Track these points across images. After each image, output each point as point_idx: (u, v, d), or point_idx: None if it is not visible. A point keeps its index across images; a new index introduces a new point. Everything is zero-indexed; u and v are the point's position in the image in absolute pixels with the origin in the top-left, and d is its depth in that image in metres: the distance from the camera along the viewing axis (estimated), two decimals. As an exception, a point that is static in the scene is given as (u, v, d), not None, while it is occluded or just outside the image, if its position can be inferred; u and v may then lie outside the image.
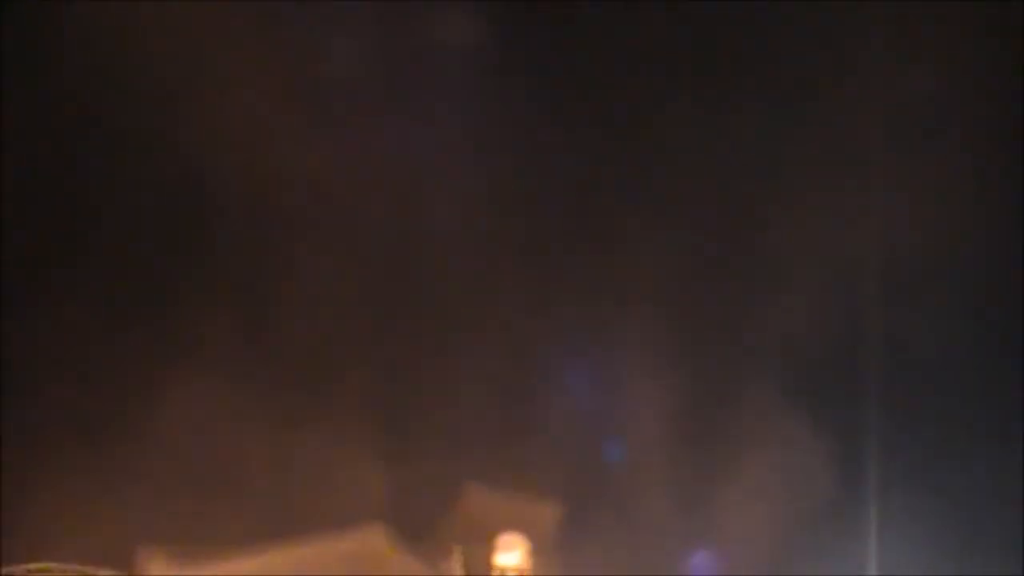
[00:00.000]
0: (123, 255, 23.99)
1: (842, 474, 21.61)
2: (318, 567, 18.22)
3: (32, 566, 11.76)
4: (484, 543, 23.13)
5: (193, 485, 21.06)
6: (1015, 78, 21.77)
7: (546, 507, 22.72)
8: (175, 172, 23.60)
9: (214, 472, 21.58)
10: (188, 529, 17.97)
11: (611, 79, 24.18)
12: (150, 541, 16.61)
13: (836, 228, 22.89)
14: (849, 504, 21.36)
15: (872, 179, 22.84)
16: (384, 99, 23.69)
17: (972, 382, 22.41)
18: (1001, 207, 22.44)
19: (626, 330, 24.18)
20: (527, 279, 26.37)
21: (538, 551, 22.93)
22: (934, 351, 22.53)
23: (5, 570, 11.44)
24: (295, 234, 25.27)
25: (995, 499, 21.30)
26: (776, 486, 21.82)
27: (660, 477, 23.00)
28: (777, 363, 23.22)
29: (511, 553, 25.01)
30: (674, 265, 24.37)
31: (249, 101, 22.34)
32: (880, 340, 22.04)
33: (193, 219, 24.63)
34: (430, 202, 24.44)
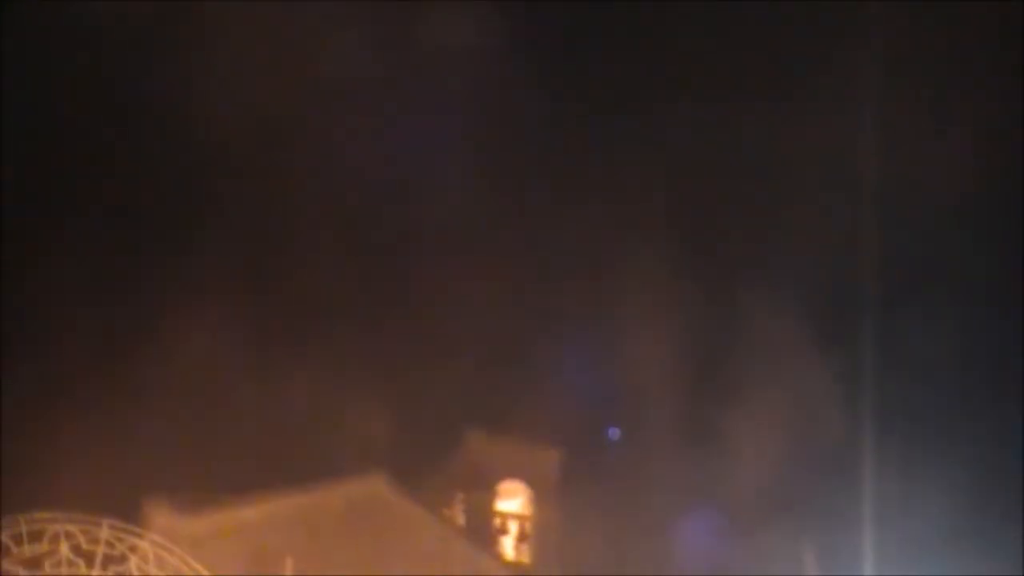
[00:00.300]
0: (126, 203, 24.05)
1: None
2: (320, 514, 18.32)
3: (34, 515, 11.80)
4: (486, 489, 23.34)
5: (195, 434, 21.15)
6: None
7: (547, 453, 22.86)
8: (183, 124, 23.69)
9: (217, 421, 21.68)
10: (190, 477, 18.05)
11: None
12: (153, 489, 16.70)
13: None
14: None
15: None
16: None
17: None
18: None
19: (625, 275, 24.26)
20: (525, 220, 26.48)
21: (539, 497, 23.14)
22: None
23: (6, 519, 11.48)
24: (298, 184, 25.33)
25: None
26: (779, 439, 21.86)
27: (659, 425, 23.08)
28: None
29: (512, 500, 25.25)
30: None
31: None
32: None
33: (200, 170, 24.74)
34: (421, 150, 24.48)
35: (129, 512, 13.00)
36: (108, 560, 11.97)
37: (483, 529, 21.56)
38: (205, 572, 12.48)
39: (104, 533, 12.04)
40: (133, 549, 12.19)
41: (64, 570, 11.65)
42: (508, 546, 21.84)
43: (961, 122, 22.42)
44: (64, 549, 11.67)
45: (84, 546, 11.83)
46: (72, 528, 11.83)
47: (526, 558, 21.60)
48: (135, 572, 12.11)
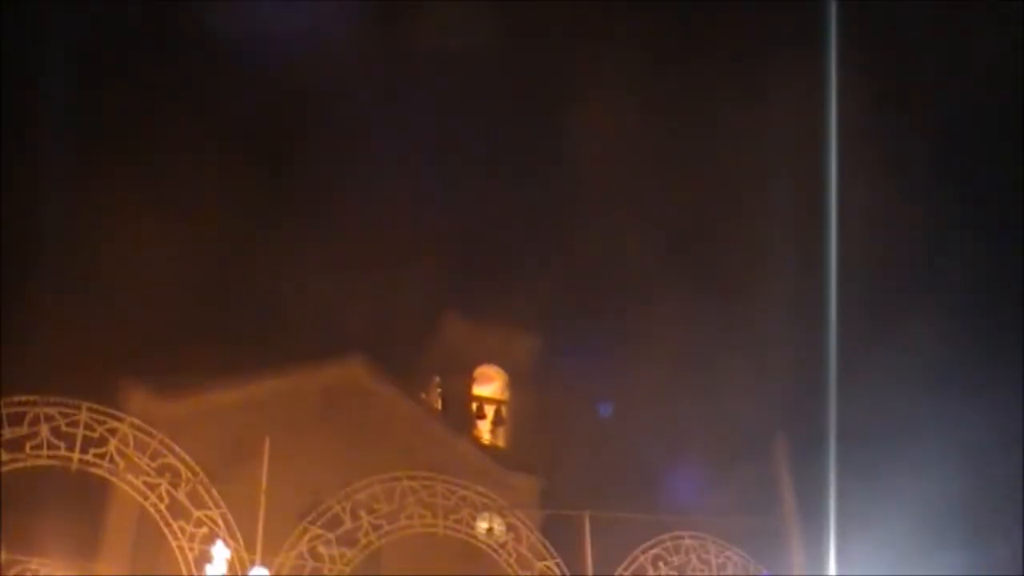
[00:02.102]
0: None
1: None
2: (299, 399, 18.55)
3: (12, 399, 11.96)
4: (463, 373, 23.61)
5: (173, 317, 21.25)
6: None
7: (524, 337, 23.08)
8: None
9: (195, 305, 21.78)
10: (168, 362, 18.18)
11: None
12: (131, 374, 16.83)
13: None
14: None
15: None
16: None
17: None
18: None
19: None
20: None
21: (516, 382, 23.44)
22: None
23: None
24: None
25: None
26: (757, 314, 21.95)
27: (644, 305, 23.25)
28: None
29: (489, 384, 25.57)
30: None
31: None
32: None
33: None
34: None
35: (107, 396, 13.17)
36: (88, 443, 12.17)
37: (460, 413, 21.86)
38: (184, 455, 12.71)
39: (83, 416, 12.22)
40: (112, 432, 12.39)
41: (44, 453, 11.84)
42: (485, 430, 22.18)
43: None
44: (44, 432, 11.84)
45: (64, 429, 12.01)
46: (51, 411, 12.00)
47: (502, 442, 21.95)
48: (114, 454, 12.33)
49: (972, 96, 22.61)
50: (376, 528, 13.47)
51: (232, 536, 12.41)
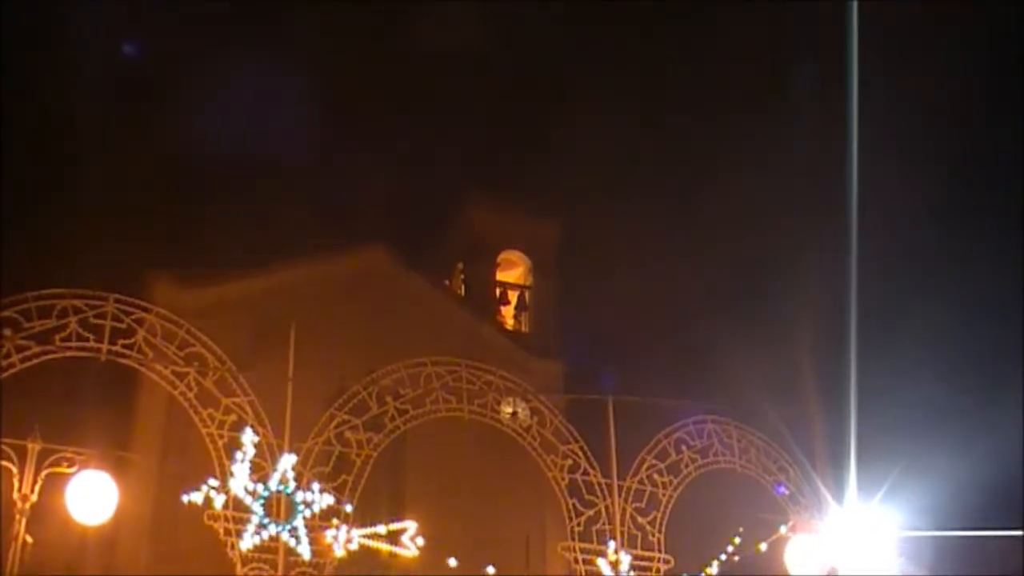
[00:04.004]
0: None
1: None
2: (324, 286, 18.62)
3: (41, 292, 12.04)
4: (486, 260, 23.58)
5: (195, 205, 21.30)
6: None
7: (548, 224, 22.99)
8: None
9: (219, 195, 21.83)
10: (192, 252, 18.26)
11: None
12: (155, 265, 16.89)
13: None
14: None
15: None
16: None
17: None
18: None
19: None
20: None
21: (539, 267, 23.40)
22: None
23: (14, 296, 11.71)
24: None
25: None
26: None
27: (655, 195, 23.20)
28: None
29: (512, 270, 25.51)
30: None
31: None
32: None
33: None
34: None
35: (133, 288, 13.24)
36: (116, 334, 12.29)
37: (483, 299, 21.91)
38: (211, 343, 12.83)
39: (111, 308, 12.32)
40: (139, 323, 12.51)
41: (74, 344, 11.97)
42: (508, 315, 22.25)
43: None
44: (73, 324, 11.96)
45: (92, 321, 12.12)
46: (79, 304, 12.10)
47: (526, 327, 22.02)
48: (142, 345, 12.46)
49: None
50: (402, 413, 13.64)
51: (260, 423, 12.57)
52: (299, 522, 12.25)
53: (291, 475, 12.38)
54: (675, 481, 14.11)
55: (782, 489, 14.49)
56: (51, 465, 11.83)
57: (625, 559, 13.41)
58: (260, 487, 12.20)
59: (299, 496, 12.34)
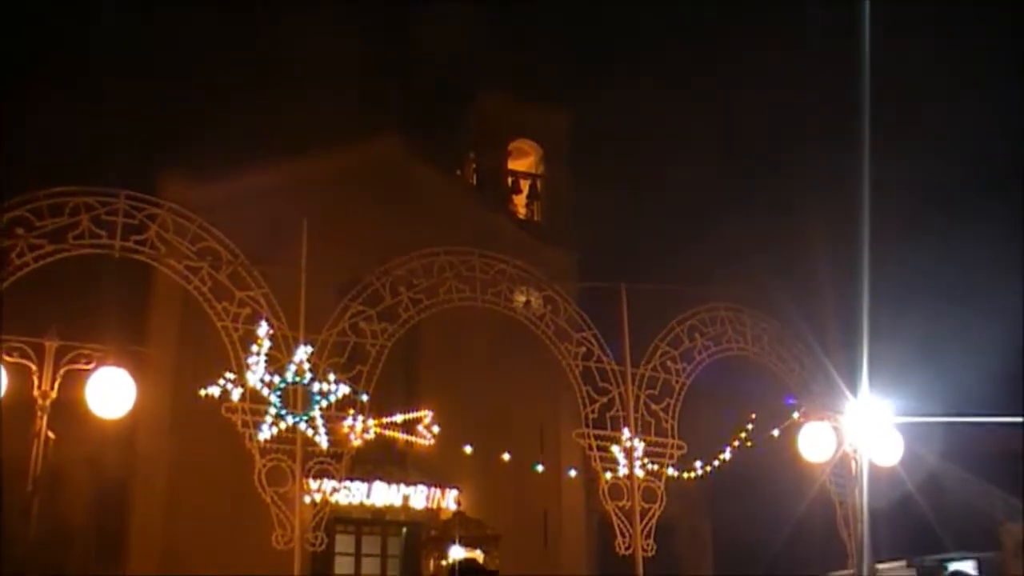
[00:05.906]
0: None
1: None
2: (335, 179, 18.60)
3: (52, 189, 11.98)
4: (498, 149, 23.45)
5: (205, 100, 21.15)
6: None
7: (559, 112, 22.80)
8: None
9: (230, 90, 21.65)
10: (203, 147, 18.20)
11: None
12: (165, 162, 16.90)
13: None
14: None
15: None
16: None
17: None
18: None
19: None
20: None
21: (550, 156, 23.28)
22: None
23: (26, 195, 11.66)
24: None
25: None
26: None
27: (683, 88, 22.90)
28: None
29: (524, 159, 25.40)
30: None
31: None
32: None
33: None
34: None
35: (145, 185, 13.18)
36: (128, 230, 12.27)
37: (495, 188, 21.87)
38: (223, 238, 12.82)
39: (122, 204, 12.28)
40: (152, 218, 12.48)
41: (87, 242, 11.96)
42: (520, 204, 22.23)
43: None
44: (85, 221, 11.93)
45: (104, 217, 12.09)
46: (90, 200, 12.06)
47: (537, 216, 22.02)
48: (155, 240, 12.45)
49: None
50: (415, 303, 13.65)
51: (275, 315, 12.61)
52: (316, 412, 12.37)
53: (307, 366, 12.45)
54: (688, 368, 14.16)
55: (791, 400, 14.53)
56: (69, 362, 11.92)
57: (639, 445, 13.54)
58: (276, 379, 12.29)
59: (315, 387, 12.44)
